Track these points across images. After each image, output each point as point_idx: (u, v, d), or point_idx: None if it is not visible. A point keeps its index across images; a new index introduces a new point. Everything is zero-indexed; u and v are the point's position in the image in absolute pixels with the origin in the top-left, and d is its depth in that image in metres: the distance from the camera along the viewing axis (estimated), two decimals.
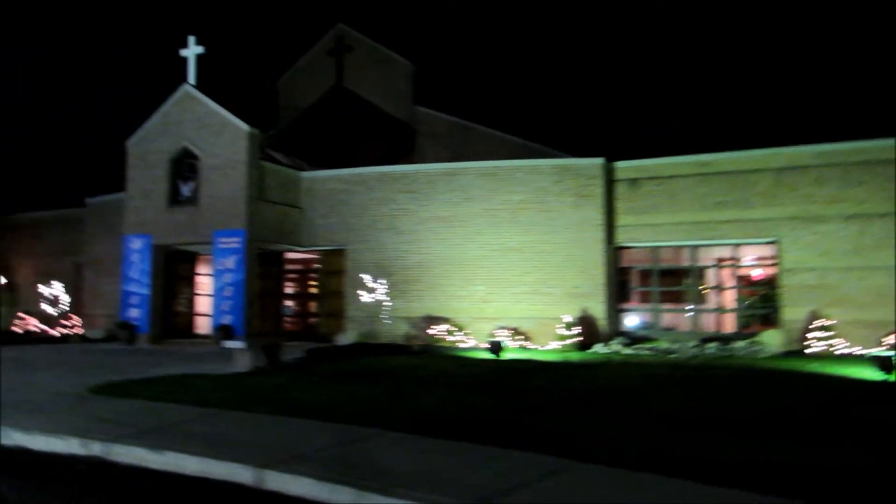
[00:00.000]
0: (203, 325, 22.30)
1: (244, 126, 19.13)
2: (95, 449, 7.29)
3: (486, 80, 38.04)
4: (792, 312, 17.91)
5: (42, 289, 23.78)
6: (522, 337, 18.62)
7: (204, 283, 22.85)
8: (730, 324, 21.91)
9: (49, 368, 13.72)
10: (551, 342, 18.28)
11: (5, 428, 7.77)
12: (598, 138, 21.76)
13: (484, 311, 19.36)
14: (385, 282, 18.73)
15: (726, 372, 13.35)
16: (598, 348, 17.79)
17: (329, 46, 32.21)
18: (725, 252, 19.78)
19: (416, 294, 19.71)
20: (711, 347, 17.26)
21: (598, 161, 19.29)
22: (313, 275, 22.59)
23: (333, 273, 21.18)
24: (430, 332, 18.86)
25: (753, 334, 18.69)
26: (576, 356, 16.46)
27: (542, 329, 18.90)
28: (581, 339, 18.11)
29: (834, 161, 17.73)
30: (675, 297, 21.47)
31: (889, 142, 17.30)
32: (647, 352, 17.33)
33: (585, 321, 18.57)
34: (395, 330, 19.51)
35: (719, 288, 21.67)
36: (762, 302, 19.50)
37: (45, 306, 23.72)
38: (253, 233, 19.00)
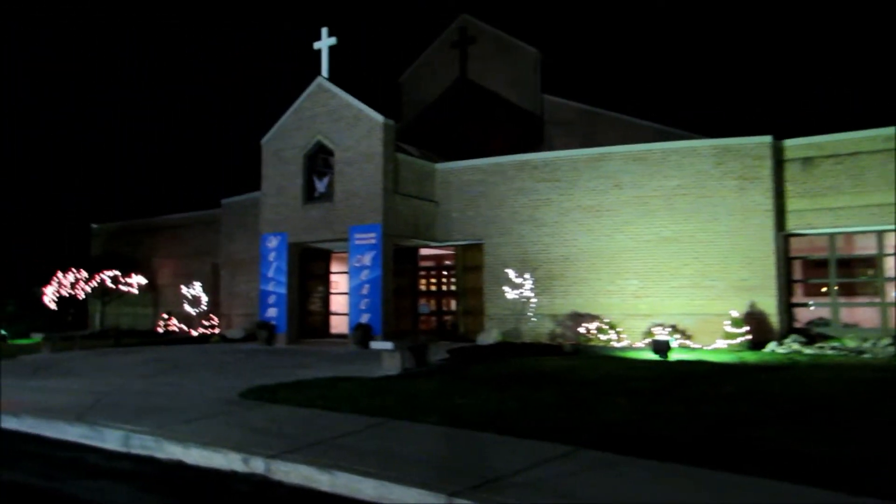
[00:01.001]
0: (338, 325, 21.88)
1: (379, 117, 18.42)
2: (257, 466, 6.46)
3: (616, 63, 36.01)
4: None
5: (183, 289, 24.22)
6: (681, 335, 16.87)
7: (337, 281, 22.46)
8: None
9: (195, 370, 13.40)
10: (716, 340, 16.43)
11: (161, 439, 7.10)
12: (742, 119, 19.55)
13: (637, 308, 17.73)
14: (529, 276, 17.46)
15: None
16: (773, 348, 15.79)
17: (453, 38, 31.46)
18: None
19: (561, 290, 18.34)
20: None
21: (766, 139, 17.20)
22: (449, 271, 21.66)
23: (470, 269, 20.16)
24: (579, 330, 17.43)
25: None
26: (751, 357, 14.58)
27: (703, 326, 17.07)
28: (751, 337, 16.16)
29: None
30: (856, 290, 18.97)
31: None
32: (832, 352, 15.18)
33: (754, 317, 16.57)
34: (538, 328, 18.23)
35: None
36: None
37: (186, 306, 24.14)
38: (389, 227, 18.26)
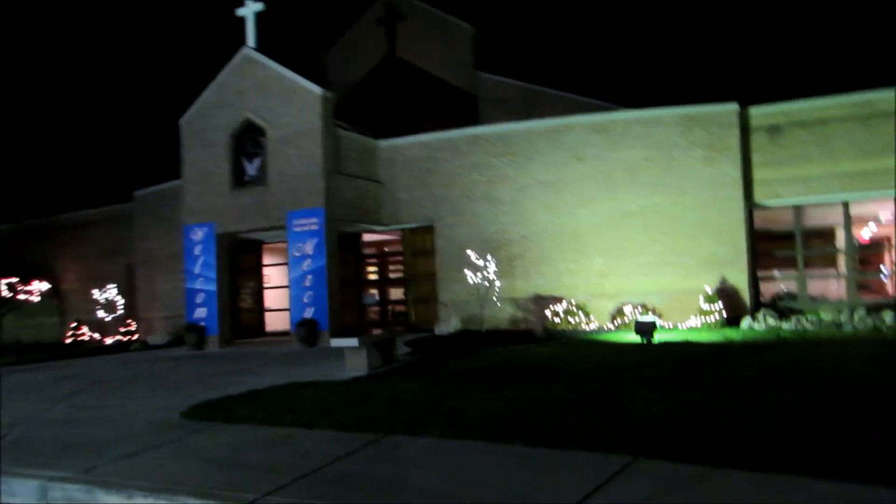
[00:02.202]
0: (274, 322, 19.94)
1: (317, 89, 16.56)
2: None
3: (556, 37, 34.87)
4: None
5: (95, 294, 21.57)
6: (651, 314, 15.83)
7: (270, 274, 20.49)
8: (892, 290, 18.92)
9: (120, 387, 11.31)
10: (690, 318, 15.49)
11: (93, 487, 5.26)
12: (700, 91, 18.69)
13: (603, 287, 16.60)
14: (491, 258, 16.02)
15: None
16: (748, 324, 14.96)
17: (379, 15, 29.64)
18: (887, 207, 16.72)
19: (522, 272, 17.03)
20: (888, 317, 14.31)
21: (733, 107, 16.33)
22: (397, 257, 20.03)
23: (421, 253, 18.60)
24: (546, 314, 16.15)
25: None
26: (734, 335, 13.64)
27: (674, 304, 16.12)
28: (725, 313, 15.28)
29: None
30: (823, 262, 18.48)
31: None
32: (810, 326, 14.46)
33: (726, 293, 15.73)
34: (500, 314, 16.86)
35: (877, 249, 18.79)
36: None
37: (99, 312, 21.52)
38: (332, 211, 16.46)
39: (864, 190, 15.79)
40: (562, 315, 15.80)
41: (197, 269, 18.11)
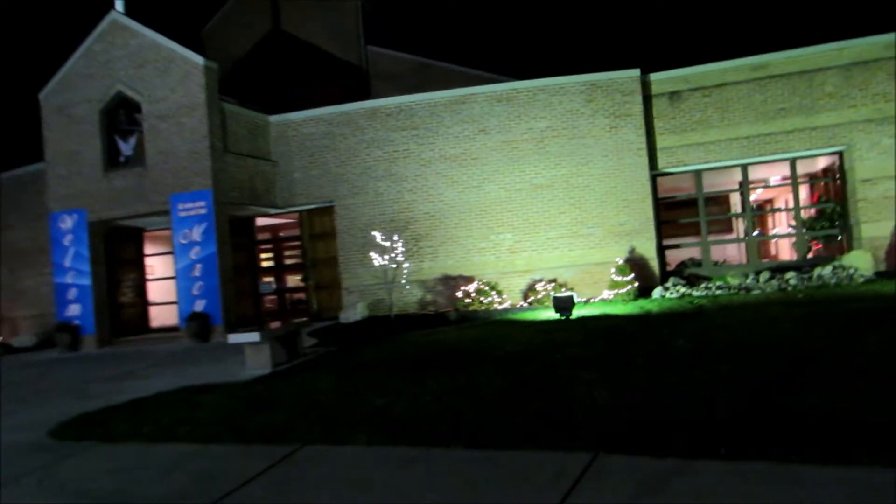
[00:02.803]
0: (160, 317, 18.25)
1: (198, 58, 14.99)
2: None
3: (446, 10, 34.03)
4: (872, 229, 15.36)
5: None
6: (564, 289, 15.46)
7: (154, 265, 18.71)
8: (786, 251, 19.46)
9: None
10: (603, 291, 15.21)
11: None
12: (600, 61, 18.46)
13: (514, 264, 16.08)
14: (399, 239, 15.14)
15: (861, 305, 10.58)
16: (660, 293, 14.84)
17: None
18: (783, 169, 17.04)
19: (429, 252, 16.23)
20: (791, 278, 14.55)
21: (635, 73, 16.09)
22: (294, 242, 18.76)
23: (320, 236, 17.44)
24: (457, 295, 15.44)
25: (830, 259, 16.17)
26: (651, 305, 13.42)
27: (585, 277, 15.83)
28: (637, 284, 15.11)
29: None
30: (723, 227, 18.77)
31: None
32: (720, 291, 14.47)
33: (636, 263, 15.55)
34: (407, 298, 16.03)
35: (774, 210, 19.22)
36: (828, 221, 16.94)
37: None
38: (221, 193, 15.02)
39: (762, 154, 15.97)
40: (473, 295, 15.14)
41: (67, 262, 16.20)
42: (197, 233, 14.87)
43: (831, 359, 6.93)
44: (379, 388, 7.45)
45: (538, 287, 15.22)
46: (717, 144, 16.15)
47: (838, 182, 16.64)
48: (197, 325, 14.51)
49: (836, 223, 16.61)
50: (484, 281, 15.54)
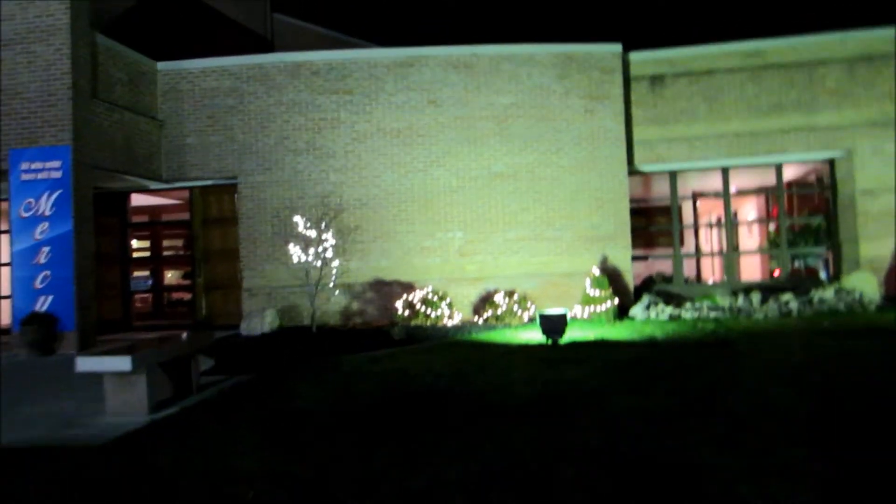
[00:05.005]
0: None
1: None
2: None
3: None
4: (872, 248, 13.46)
5: None
6: (530, 303, 12.52)
7: None
8: (753, 270, 17.47)
9: None
10: (573, 308, 12.40)
11: None
12: (560, 33, 15.87)
13: (464, 269, 13.02)
14: (327, 229, 11.72)
15: None
16: (639, 314, 12.24)
17: None
18: (769, 174, 14.94)
19: (359, 249, 12.87)
20: (790, 301, 12.34)
21: (616, 48, 13.49)
22: (181, 227, 14.85)
23: (216, 222, 13.70)
24: (398, 305, 12.16)
25: (814, 280, 14.20)
26: (649, 329, 10.69)
27: (550, 290, 13.03)
28: (617, 300, 12.45)
29: None
30: (698, 238, 16.54)
31: None
32: (715, 314, 12.03)
33: (608, 275, 12.86)
34: (327, 306, 12.60)
35: (758, 222, 17.25)
36: (813, 238, 15.00)
37: None
38: (84, 153, 11.04)
39: (753, 155, 13.77)
40: (419, 307, 11.90)
41: None
42: (46, 204, 10.82)
43: None
44: (358, 476, 4.16)
45: (497, 299, 12.21)
46: (702, 140, 13.81)
47: (825, 194, 14.75)
48: (37, 330, 10.46)
49: (822, 240, 14.69)
50: (430, 289, 12.35)
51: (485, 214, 13.08)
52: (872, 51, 13.47)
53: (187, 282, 14.40)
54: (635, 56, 13.90)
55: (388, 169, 13.00)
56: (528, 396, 6.13)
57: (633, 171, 14.08)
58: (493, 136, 13.10)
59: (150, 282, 14.75)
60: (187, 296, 14.53)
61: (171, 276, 15.77)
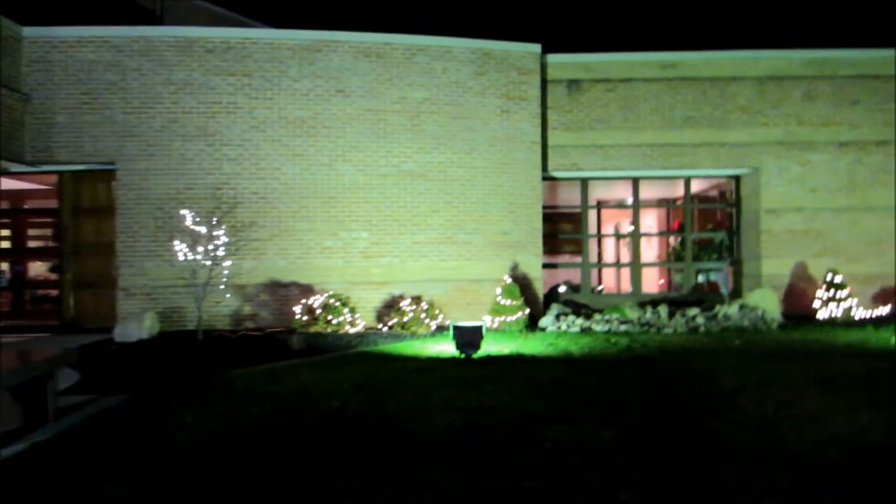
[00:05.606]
0: None
1: None
2: None
3: None
4: (773, 266, 13.62)
5: None
6: (437, 311, 11.78)
7: None
8: (651, 282, 17.46)
9: None
10: (482, 317, 11.80)
11: None
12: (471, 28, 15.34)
13: (368, 273, 12.14)
14: (218, 223, 10.54)
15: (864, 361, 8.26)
16: (550, 325, 11.80)
17: None
18: (672, 187, 14.94)
19: (253, 247, 11.74)
20: (697, 316, 12.26)
21: (535, 49, 13.03)
22: (46, 216, 13.16)
23: (89, 212, 12.17)
24: (295, 309, 11.12)
25: (715, 294, 14.29)
26: (563, 343, 10.20)
27: (458, 296, 12.39)
28: (529, 310, 11.96)
29: (827, 73, 13.60)
30: (601, 247, 16.34)
31: (889, 52, 13.61)
32: (625, 327, 11.75)
33: (518, 283, 12.33)
34: (216, 308, 11.41)
35: (664, 234, 17.26)
36: (715, 253, 15.12)
37: None
38: None
39: (666, 167, 13.65)
40: (319, 312, 10.91)
41: None
42: None
43: None
44: None
45: (404, 306, 11.41)
46: (618, 149, 13.56)
47: (728, 210, 14.89)
48: None
49: (724, 256, 14.81)
50: (331, 293, 11.38)
51: (392, 215, 12.25)
52: (782, 72, 13.62)
53: (53, 277, 12.76)
54: (553, 58, 13.49)
55: (289, 161, 11.93)
56: (450, 427, 5.37)
57: (546, 176, 13.67)
58: (404, 131, 12.29)
59: (7, 277, 12.97)
60: (53, 292, 12.89)
61: (35, 271, 14.01)
